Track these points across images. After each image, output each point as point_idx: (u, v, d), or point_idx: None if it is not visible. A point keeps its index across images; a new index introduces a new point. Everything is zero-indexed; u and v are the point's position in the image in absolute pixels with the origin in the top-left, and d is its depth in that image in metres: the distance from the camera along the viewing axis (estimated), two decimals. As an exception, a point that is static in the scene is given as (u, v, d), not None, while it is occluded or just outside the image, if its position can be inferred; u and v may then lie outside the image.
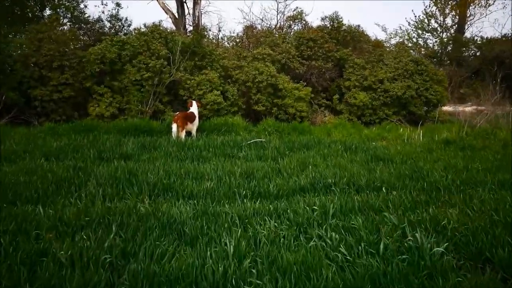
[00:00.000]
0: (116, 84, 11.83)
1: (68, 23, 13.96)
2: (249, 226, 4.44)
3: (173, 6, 19.19)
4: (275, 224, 4.52)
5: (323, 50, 14.61)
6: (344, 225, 4.40)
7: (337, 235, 4.13)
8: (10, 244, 3.73)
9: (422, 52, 25.10)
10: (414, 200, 5.37)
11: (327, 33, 15.46)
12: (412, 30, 26.86)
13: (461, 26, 25.66)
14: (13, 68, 11.22)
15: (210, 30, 18.09)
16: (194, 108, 10.72)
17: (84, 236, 3.94)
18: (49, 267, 3.34)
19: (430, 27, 26.56)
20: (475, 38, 24.71)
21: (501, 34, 25.00)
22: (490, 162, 7.60)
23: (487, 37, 24.16)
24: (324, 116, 13.81)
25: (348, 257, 3.72)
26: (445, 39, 25.39)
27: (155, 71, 11.86)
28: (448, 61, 24.40)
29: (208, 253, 3.77)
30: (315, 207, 4.91)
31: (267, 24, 20.66)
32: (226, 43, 19.11)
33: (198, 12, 19.01)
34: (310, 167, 6.97)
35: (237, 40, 18.30)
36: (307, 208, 4.94)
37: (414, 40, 26.75)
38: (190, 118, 10.40)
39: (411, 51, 22.56)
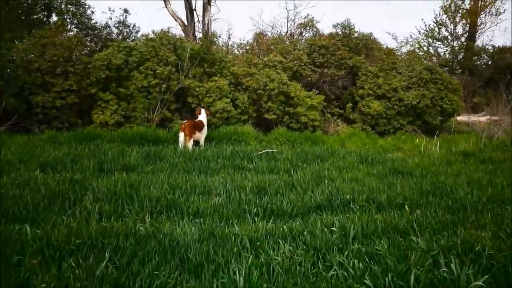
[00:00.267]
0: (122, 91, 11.42)
1: (75, 29, 13.63)
2: (261, 251, 3.93)
3: (182, 14, 18.88)
4: (290, 248, 4.01)
5: (335, 58, 14.13)
6: (367, 251, 3.86)
7: (360, 263, 3.60)
8: (-13, 272, 3.25)
9: (433, 60, 24.54)
10: (440, 221, 4.83)
11: (339, 40, 15.00)
12: (423, 38, 26.34)
13: (472, 35, 25.04)
14: (15, 74, 10.84)
15: (220, 36, 17.69)
16: (202, 116, 10.27)
17: (73, 264, 3.45)
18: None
19: (440, 35, 26.01)
20: (487, 47, 24.14)
21: (512, 43, 24.39)
22: (514, 177, 7.05)
23: (498, 46, 23.59)
24: (337, 126, 13.29)
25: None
26: (456, 48, 24.80)
27: (163, 77, 11.44)
28: (460, 70, 23.79)
29: (215, 284, 3.27)
30: (334, 229, 4.38)
31: (277, 31, 20.29)
32: (236, 50, 18.74)
33: (208, 19, 18.63)
34: (326, 181, 6.45)
35: (247, 48, 17.91)
36: (325, 229, 4.41)
37: (425, 48, 26.20)
38: (199, 126, 9.94)
39: (423, 59, 22.02)
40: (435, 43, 26.09)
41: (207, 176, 6.85)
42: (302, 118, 12.30)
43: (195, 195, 5.62)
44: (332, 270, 3.53)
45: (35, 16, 15.25)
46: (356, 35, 15.44)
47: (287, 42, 15.74)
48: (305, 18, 18.52)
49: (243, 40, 20.63)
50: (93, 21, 15.51)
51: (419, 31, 30.39)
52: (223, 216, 4.91)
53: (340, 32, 15.52)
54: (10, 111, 10.72)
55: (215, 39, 14.15)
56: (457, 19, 25.02)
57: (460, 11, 25.16)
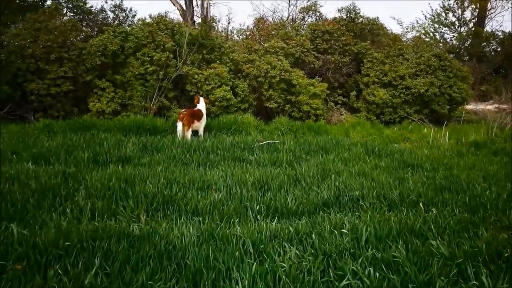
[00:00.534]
0: (118, 78, 11.03)
1: (70, 14, 13.14)
2: (265, 256, 3.60)
3: (181, -2, 18.34)
4: (297, 252, 3.69)
5: (339, 43, 13.67)
6: (383, 258, 3.53)
7: (376, 272, 3.28)
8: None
9: (440, 47, 23.99)
10: (459, 220, 4.50)
11: (343, 25, 14.52)
12: (429, 24, 25.75)
13: (481, 20, 24.42)
14: (7, 59, 10.42)
15: (219, 21, 17.17)
16: (201, 105, 9.90)
17: (60, 271, 3.13)
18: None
19: (447, 21, 25.40)
20: (496, 32, 23.54)
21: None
22: (533, 170, 6.71)
23: (509, 32, 23.00)
24: (340, 115, 12.91)
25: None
26: (464, 33, 24.22)
27: (160, 64, 11.03)
28: (467, 57, 23.27)
29: (215, 296, 2.96)
30: (344, 230, 4.06)
31: (279, 16, 19.76)
32: (235, 36, 18.23)
33: (207, 4, 18.13)
34: (333, 175, 6.10)
35: (247, 33, 17.41)
36: (335, 231, 4.09)
37: (431, 34, 25.61)
38: (197, 115, 9.57)
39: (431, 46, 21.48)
40: (442, 29, 25.54)
41: (206, 169, 6.51)
42: (305, 107, 11.93)
43: (193, 190, 5.29)
44: (345, 280, 3.21)
45: (29, 0, 14.77)
46: (361, 19, 14.93)
47: (289, 28, 15.25)
48: (308, 1, 17.97)
49: (243, 26, 20.14)
50: (88, 5, 14.98)
51: (425, 16, 29.81)
52: (224, 214, 4.59)
53: (344, 17, 15.00)
54: (4, 99, 10.34)
55: (214, 24, 13.68)
56: (466, 4, 24.38)
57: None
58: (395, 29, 35.23)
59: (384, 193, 5.36)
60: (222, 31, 17.46)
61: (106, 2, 19.64)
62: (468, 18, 24.78)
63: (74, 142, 7.70)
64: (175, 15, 17.72)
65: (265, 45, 13.31)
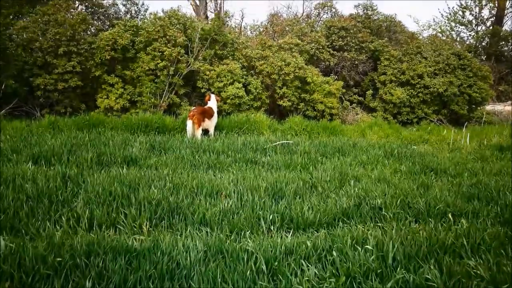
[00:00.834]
0: (128, 74, 10.68)
1: (80, 7, 12.81)
2: (280, 276, 3.20)
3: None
4: (315, 271, 3.28)
5: (356, 40, 13.19)
6: (416, 282, 3.10)
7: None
8: None
9: (456, 45, 23.28)
10: (493, 235, 4.03)
11: (360, 22, 14.02)
12: (445, 22, 25.04)
13: (499, 19, 23.63)
14: (14, 53, 10.12)
15: (232, 16, 16.73)
16: (212, 103, 9.51)
17: (46, 295, 2.76)
18: None
19: (465, 19, 24.65)
20: (515, 32, 22.74)
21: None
22: None
23: (528, 31, 22.22)
24: (355, 114, 12.44)
25: None
26: (480, 32, 23.47)
27: (171, 59, 10.66)
28: (485, 56, 22.53)
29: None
30: (369, 247, 3.62)
31: (293, 12, 19.28)
32: (249, 31, 17.82)
33: (220, -2, 17.72)
34: (352, 182, 5.66)
35: (261, 29, 16.99)
36: (357, 246, 3.66)
37: (447, 33, 24.90)
38: (208, 114, 9.19)
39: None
40: (458, 28, 24.83)
41: (216, 172, 6.11)
42: (319, 106, 11.48)
43: (201, 196, 4.89)
44: (373, 310, 2.79)
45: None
46: (378, 16, 14.40)
47: (304, 24, 14.79)
48: (323, -2, 17.47)
49: (257, 22, 19.70)
50: (99, -1, 14.66)
51: (442, 14, 29.06)
52: (234, 225, 4.18)
53: (361, 13, 14.49)
54: (10, 94, 10.05)
55: (227, 19, 13.26)
56: (484, 2, 23.63)
57: (489, -6, 23.76)
58: (411, 27, 34.50)
59: (408, 202, 4.92)
60: (235, 26, 17.05)
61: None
62: (485, 17, 24.06)
63: (78, 141, 7.35)
64: (188, 9, 17.36)
65: (279, 41, 12.88)
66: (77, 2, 13.18)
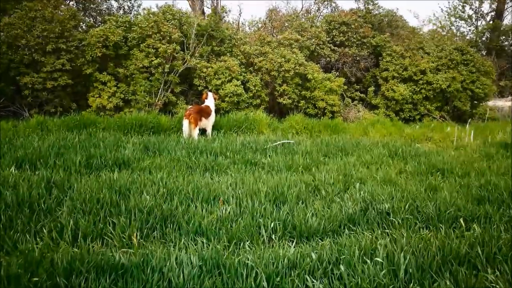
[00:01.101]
0: (121, 72, 10.29)
1: (70, 2, 12.39)
2: (284, 296, 2.84)
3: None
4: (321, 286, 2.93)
5: (357, 36, 12.82)
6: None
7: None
8: None
9: (456, 40, 22.95)
10: (509, 243, 3.68)
11: (361, 17, 13.63)
12: (445, 17, 24.72)
13: (499, 13, 23.29)
14: (-1, 51, 9.71)
15: (230, 11, 16.31)
16: (210, 101, 9.13)
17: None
18: None
19: (465, 14, 24.30)
20: (515, 26, 22.39)
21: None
22: None
23: (529, 26, 21.89)
24: (357, 111, 12.07)
25: None
26: (480, 27, 23.13)
27: (166, 56, 10.27)
28: (486, 51, 22.20)
29: None
30: (379, 259, 3.26)
31: (292, 7, 18.88)
32: (247, 27, 17.41)
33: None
34: (357, 185, 5.30)
35: (259, 25, 16.58)
36: (366, 259, 3.30)
37: (447, 28, 24.57)
38: (205, 112, 8.81)
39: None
40: (458, 22, 24.50)
41: (214, 175, 5.74)
42: (320, 103, 11.12)
43: (197, 202, 4.52)
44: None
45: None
46: (379, 11, 14.04)
47: (303, 19, 14.41)
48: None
49: (255, 17, 19.29)
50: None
51: (441, 9, 28.73)
52: (232, 235, 3.81)
53: (362, 7, 14.12)
54: (-4, 93, 9.65)
55: (225, 14, 12.87)
56: (484, -4, 23.30)
57: (488, -12, 23.43)
58: (411, 22, 34.10)
59: (417, 206, 4.57)
60: (233, 22, 16.64)
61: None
62: (486, 11, 23.73)
63: (67, 143, 6.97)
64: (183, 5, 16.94)
65: (279, 37, 12.49)
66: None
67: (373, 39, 13.05)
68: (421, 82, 12.37)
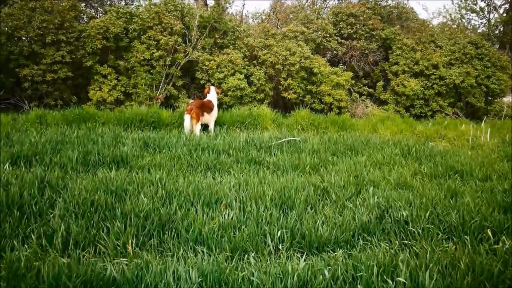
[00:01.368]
0: (121, 64, 9.98)
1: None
2: (294, 319, 2.54)
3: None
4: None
5: (366, 28, 12.43)
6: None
7: None
8: None
9: (468, 34, 22.41)
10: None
11: (370, 8, 13.22)
12: (456, 9, 24.20)
13: (513, 5, 22.70)
14: (-2, 42, 9.42)
15: (233, 2, 15.91)
16: (212, 95, 8.82)
17: None
18: None
19: (476, 6, 23.73)
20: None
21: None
22: None
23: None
24: (365, 107, 11.71)
25: None
26: (493, 20, 22.57)
27: (167, 49, 9.95)
28: (499, 45, 21.66)
29: None
30: (401, 279, 2.96)
31: (298, -2, 18.42)
32: (251, 20, 17.04)
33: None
34: (371, 189, 4.97)
35: (263, 17, 16.21)
36: (386, 277, 2.99)
37: (457, 21, 24.02)
38: (207, 107, 8.50)
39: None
40: (469, 15, 23.94)
41: (216, 175, 5.44)
42: (327, 98, 10.77)
43: (198, 206, 4.23)
44: None
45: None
46: (389, 2, 13.63)
47: (309, 11, 14.02)
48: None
49: (259, 9, 18.88)
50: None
51: (452, 1, 28.19)
52: (235, 244, 3.52)
53: (371, -1, 13.72)
54: (-4, 86, 9.38)
55: (228, 5, 12.50)
56: (497, -13, 22.75)
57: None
58: (420, 14, 33.55)
59: (438, 214, 4.23)
60: (236, 14, 16.26)
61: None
62: (498, 4, 23.16)
63: (64, 138, 6.69)
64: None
65: (283, 29, 12.12)
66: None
67: (383, 32, 12.64)
68: (433, 77, 11.96)
